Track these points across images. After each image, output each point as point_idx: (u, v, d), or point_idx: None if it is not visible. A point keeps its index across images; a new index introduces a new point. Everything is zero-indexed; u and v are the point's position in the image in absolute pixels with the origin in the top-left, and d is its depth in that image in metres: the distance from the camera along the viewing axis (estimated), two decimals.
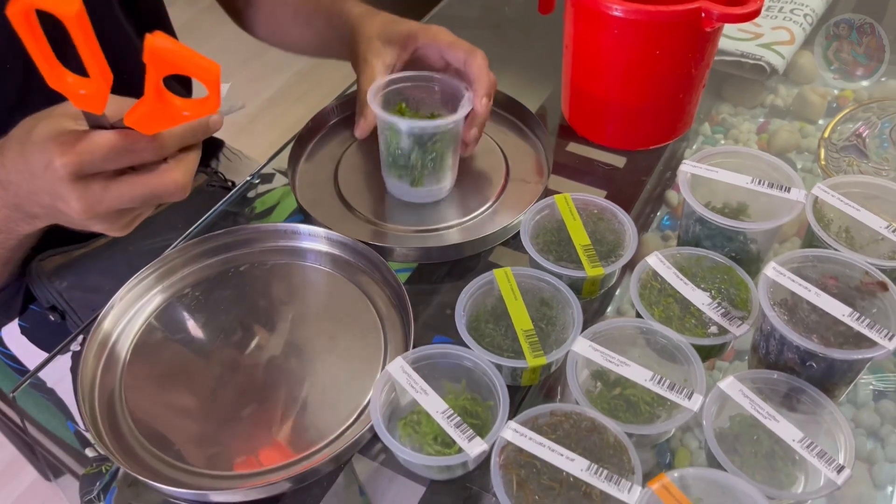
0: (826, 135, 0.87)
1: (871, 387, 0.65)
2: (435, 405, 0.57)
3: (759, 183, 0.67)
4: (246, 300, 0.72)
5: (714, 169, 0.68)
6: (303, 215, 0.78)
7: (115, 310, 0.68)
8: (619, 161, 0.88)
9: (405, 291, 0.67)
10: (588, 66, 0.81)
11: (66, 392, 0.70)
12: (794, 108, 0.94)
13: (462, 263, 0.75)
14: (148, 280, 0.71)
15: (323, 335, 0.68)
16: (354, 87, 0.85)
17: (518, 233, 0.69)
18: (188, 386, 0.65)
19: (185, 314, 0.70)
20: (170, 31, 0.95)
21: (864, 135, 0.88)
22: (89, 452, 0.84)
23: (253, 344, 0.68)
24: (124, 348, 0.67)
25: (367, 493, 0.61)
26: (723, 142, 0.93)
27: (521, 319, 0.62)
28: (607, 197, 0.74)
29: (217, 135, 1.01)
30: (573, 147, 0.89)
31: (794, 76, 0.98)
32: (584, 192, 0.73)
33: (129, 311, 0.69)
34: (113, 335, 0.68)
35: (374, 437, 0.61)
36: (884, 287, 0.59)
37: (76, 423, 0.70)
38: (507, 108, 0.89)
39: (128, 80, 0.83)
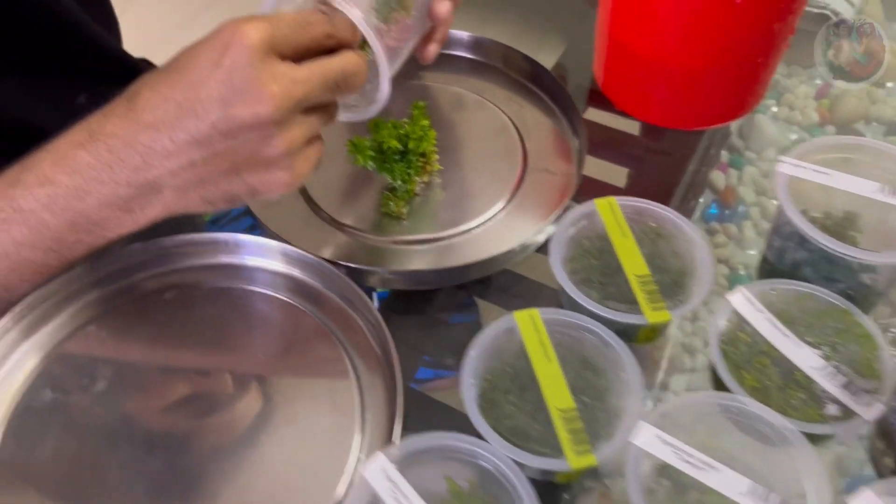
0: None
1: None
2: None
3: (892, 192, 0.48)
4: (169, 342, 0.52)
5: (824, 170, 0.49)
6: (252, 220, 0.58)
7: None
8: (655, 137, 0.69)
9: (391, 342, 0.48)
10: (635, 16, 0.60)
11: None
12: None
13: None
14: (29, 318, 0.50)
15: (275, 398, 0.49)
16: None
17: (531, 243, 0.51)
18: (83, 480, 0.45)
19: (83, 366, 0.50)
20: None
21: None
22: None
23: (176, 412, 0.48)
24: None
25: None
26: (774, 109, 0.76)
27: (557, 393, 0.43)
28: (638, 184, 0.61)
29: None
30: (595, 116, 0.70)
31: None
32: (606, 176, 0.59)
33: (0, 368, 0.49)
34: None
35: None
36: None
37: None
38: (519, 70, 0.68)
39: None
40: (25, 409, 0.48)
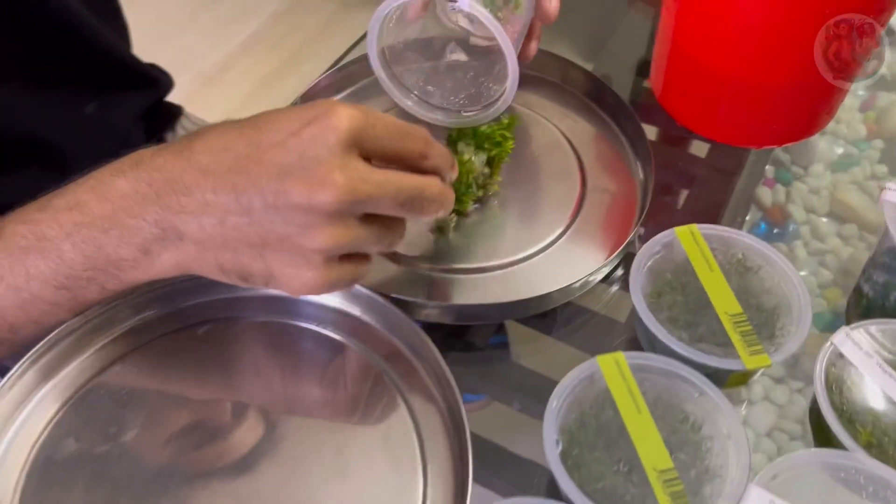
0: None
1: None
2: None
3: None
4: (206, 383, 0.47)
5: None
6: None
7: None
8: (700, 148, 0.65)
9: (456, 390, 0.43)
10: (706, 25, 0.56)
11: None
12: None
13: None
14: (48, 358, 0.45)
15: (326, 447, 0.44)
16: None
17: (602, 273, 0.47)
18: None
19: (110, 411, 0.45)
20: None
21: None
22: None
23: (215, 463, 0.44)
24: (11, 480, 0.42)
25: None
26: None
27: (654, 451, 0.39)
28: (685, 202, 0.58)
29: (176, 94, 0.76)
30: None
31: None
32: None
33: (17, 416, 0.44)
34: None
35: None
36: None
37: None
38: (573, 83, 0.64)
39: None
40: (46, 461, 0.43)
